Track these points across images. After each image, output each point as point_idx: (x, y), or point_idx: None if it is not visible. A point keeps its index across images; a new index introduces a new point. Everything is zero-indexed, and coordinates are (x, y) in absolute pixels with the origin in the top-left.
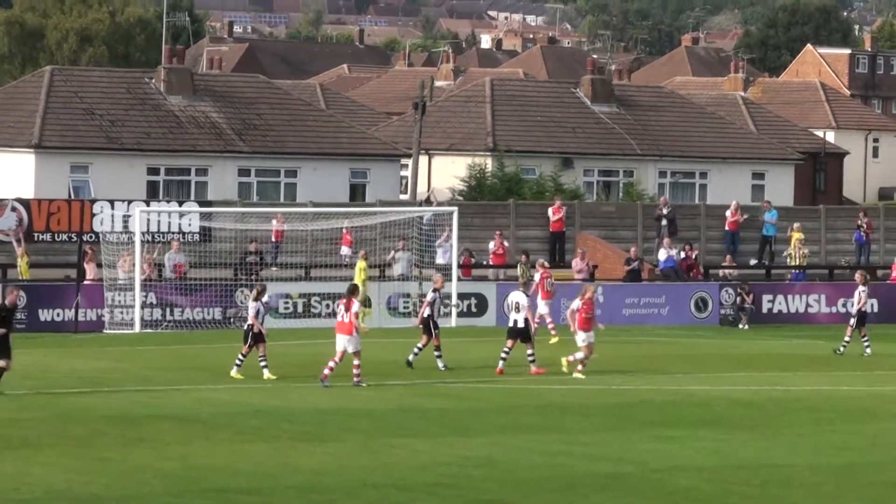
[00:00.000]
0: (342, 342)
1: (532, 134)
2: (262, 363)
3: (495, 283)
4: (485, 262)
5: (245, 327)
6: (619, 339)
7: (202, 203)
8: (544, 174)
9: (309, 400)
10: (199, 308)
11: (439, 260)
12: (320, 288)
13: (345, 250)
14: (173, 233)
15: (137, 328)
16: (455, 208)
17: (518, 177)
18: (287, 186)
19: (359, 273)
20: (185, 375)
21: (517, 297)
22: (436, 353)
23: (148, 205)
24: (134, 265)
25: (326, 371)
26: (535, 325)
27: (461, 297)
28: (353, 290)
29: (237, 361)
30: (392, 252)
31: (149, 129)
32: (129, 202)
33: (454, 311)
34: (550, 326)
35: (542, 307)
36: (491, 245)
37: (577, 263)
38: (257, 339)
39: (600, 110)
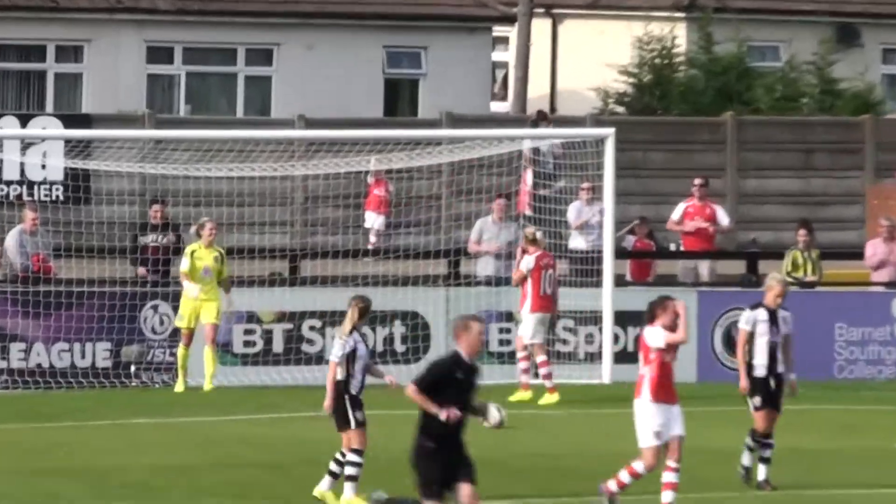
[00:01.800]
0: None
1: None
2: (350, 469)
3: (696, 292)
4: (673, 247)
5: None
6: None
7: (70, 119)
8: (797, 60)
9: None
10: (62, 345)
11: (576, 242)
12: (322, 300)
13: (373, 218)
14: (9, 182)
15: None
16: (610, 131)
17: (743, 64)
18: (251, 85)
19: (199, 269)
20: (32, 488)
21: None
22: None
23: None
24: None
25: (616, 483)
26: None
27: (622, 317)
28: (658, 304)
29: (333, 469)
30: (478, 227)
31: None
32: None
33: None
34: (523, 371)
35: (528, 326)
36: (682, 208)
37: (875, 248)
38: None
39: None
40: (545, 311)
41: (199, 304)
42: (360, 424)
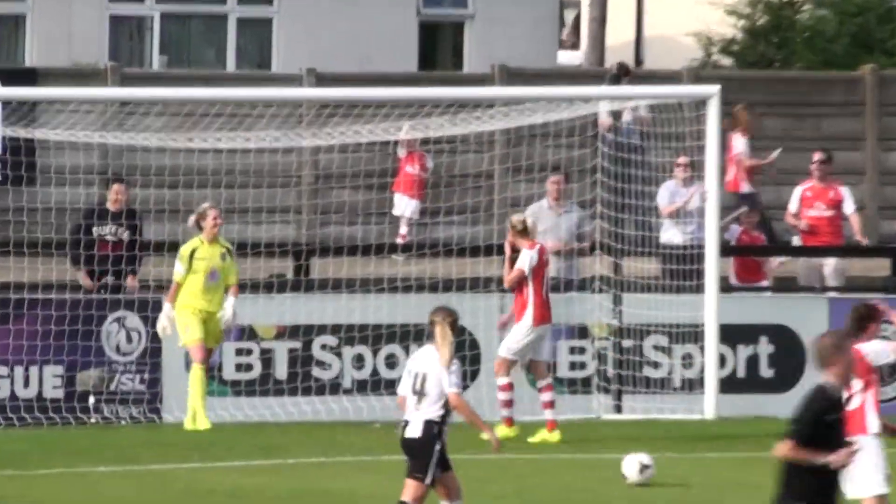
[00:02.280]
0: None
1: None
2: None
3: (825, 300)
4: (797, 241)
5: (419, 427)
6: None
7: (10, 75)
8: None
9: None
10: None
11: (669, 235)
12: (337, 310)
13: (404, 203)
14: None
15: None
16: (714, 89)
17: (887, 2)
18: (246, 30)
19: (203, 273)
20: None
21: None
22: None
23: None
24: None
25: None
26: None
27: (730, 332)
28: (870, 315)
29: None
30: (530, 215)
31: None
32: None
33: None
34: (503, 403)
35: (520, 340)
36: (799, 192)
37: None
38: (442, 461)
39: None
40: (547, 323)
41: (204, 315)
42: (433, 483)
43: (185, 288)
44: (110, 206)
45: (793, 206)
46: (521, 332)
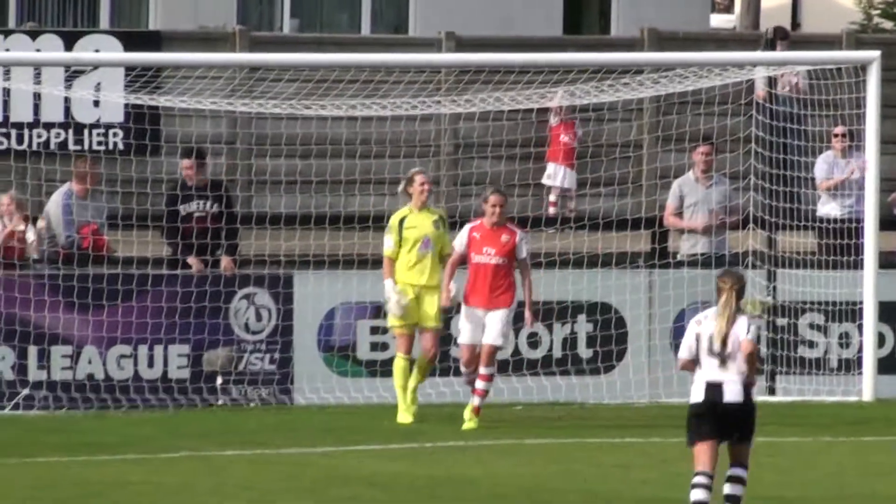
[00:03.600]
0: None
1: None
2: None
3: None
4: None
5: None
6: None
7: (133, 39)
8: None
9: None
10: (122, 348)
11: (827, 208)
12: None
13: (560, 174)
14: (50, 125)
15: None
16: (874, 54)
17: None
18: None
19: (414, 243)
20: None
21: None
22: None
23: None
24: None
25: None
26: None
27: (890, 310)
28: None
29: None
30: (676, 189)
31: None
32: None
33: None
34: (477, 394)
35: (509, 324)
36: None
37: None
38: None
39: None
40: (507, 308)
41: (418, 291)
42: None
43: (396, 262)
44: (188, 176)
45: None
46: (507, 319)
